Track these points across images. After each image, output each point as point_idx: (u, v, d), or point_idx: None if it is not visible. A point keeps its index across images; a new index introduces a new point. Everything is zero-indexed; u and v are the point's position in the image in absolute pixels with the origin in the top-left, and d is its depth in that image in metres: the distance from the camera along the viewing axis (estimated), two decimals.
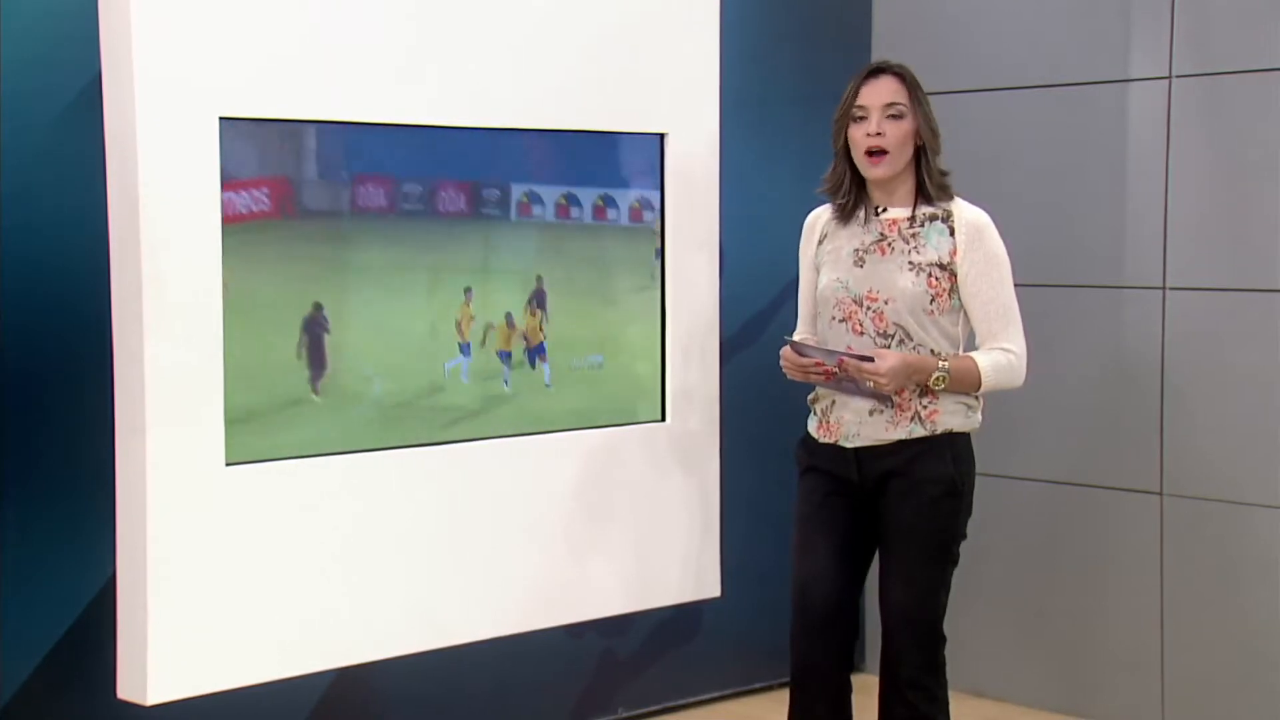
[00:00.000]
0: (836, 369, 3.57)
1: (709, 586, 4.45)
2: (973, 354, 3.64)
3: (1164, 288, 4.67)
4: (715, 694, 5.06)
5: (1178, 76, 4.62)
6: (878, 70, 3.67)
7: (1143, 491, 4.74)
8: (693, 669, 5.00)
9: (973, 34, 5.05)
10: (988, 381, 3.62)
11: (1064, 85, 4.86)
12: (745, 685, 5.09)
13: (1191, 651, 4.66)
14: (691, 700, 5.01)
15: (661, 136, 4.26)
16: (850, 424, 3.66)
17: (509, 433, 4.03)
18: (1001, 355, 3.63)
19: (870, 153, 3.62)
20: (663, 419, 4.31)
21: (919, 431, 3.62)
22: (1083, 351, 4.85)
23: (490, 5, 3.90)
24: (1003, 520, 4.96)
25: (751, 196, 4.86)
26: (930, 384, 3.58)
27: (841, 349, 3.59)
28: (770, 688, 4.99)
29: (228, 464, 3.54)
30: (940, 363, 3.59)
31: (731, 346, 4.69)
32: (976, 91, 4.99)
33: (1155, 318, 4.69)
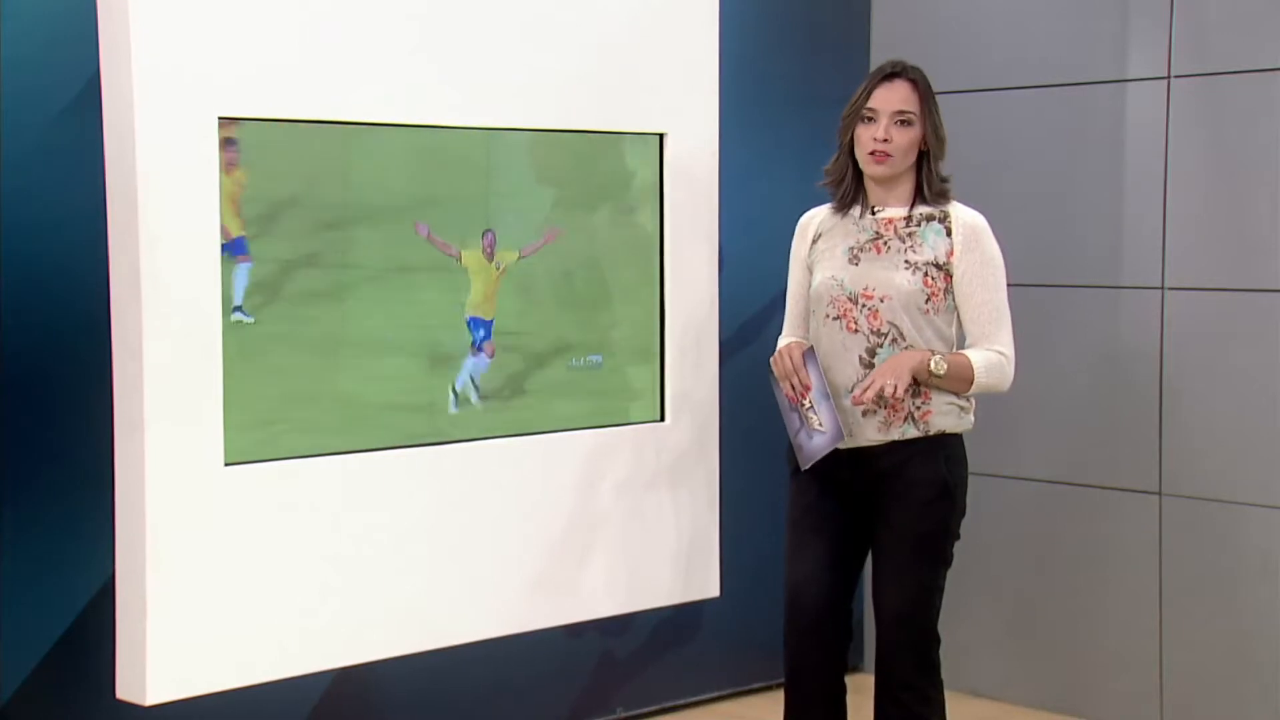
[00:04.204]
0: (802, 401, 3.59)
1: (708, 586, 4.45)
2: (965, 351, 3.64)
3: (1162, 288, 4.67)
4: (714, 694, 5.06)
5: (1176, 77, 4.62)
6: (892, 74, 3.65)
7: (1141, 491, 4.74)
8: (691, 669, 5.00)
9: (971, 34, 5.06)
10: (979, 378, 3.61)
11: (1063, 85, 4.86)
12: (744, 685, 5.09)
13: (1189, 651, 4.66)
14: (690, 700, 5.01)
15: (661, 136, 4.26)
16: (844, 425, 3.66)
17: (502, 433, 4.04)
18: (994, 355, 3.63)
19: (874, 153, 3.63)
20: (661, 419, 4.31)
21: (912, 433, 3.62)
22: (1081, 351, 4.86)
23: (490, 5, 3.90)
24: (1001, 520, 4.96)
25: (750, 197, 4.87)
26: (930, 368, 3.55)
27: (829, 393, 3.61)
28: (769, 688, 4.99)
29: (227, 464, 3.54)
30: (933, 353, 3.59)
31: (730, 346, 4.69)
32: (975, 91, 4.99)
33: (1154, 318, 4.69)
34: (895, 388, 3.50)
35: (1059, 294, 4.87)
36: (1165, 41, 4.63)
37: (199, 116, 3.46)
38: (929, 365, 3.55)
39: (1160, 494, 4.71)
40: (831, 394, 3.62)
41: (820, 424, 3.61)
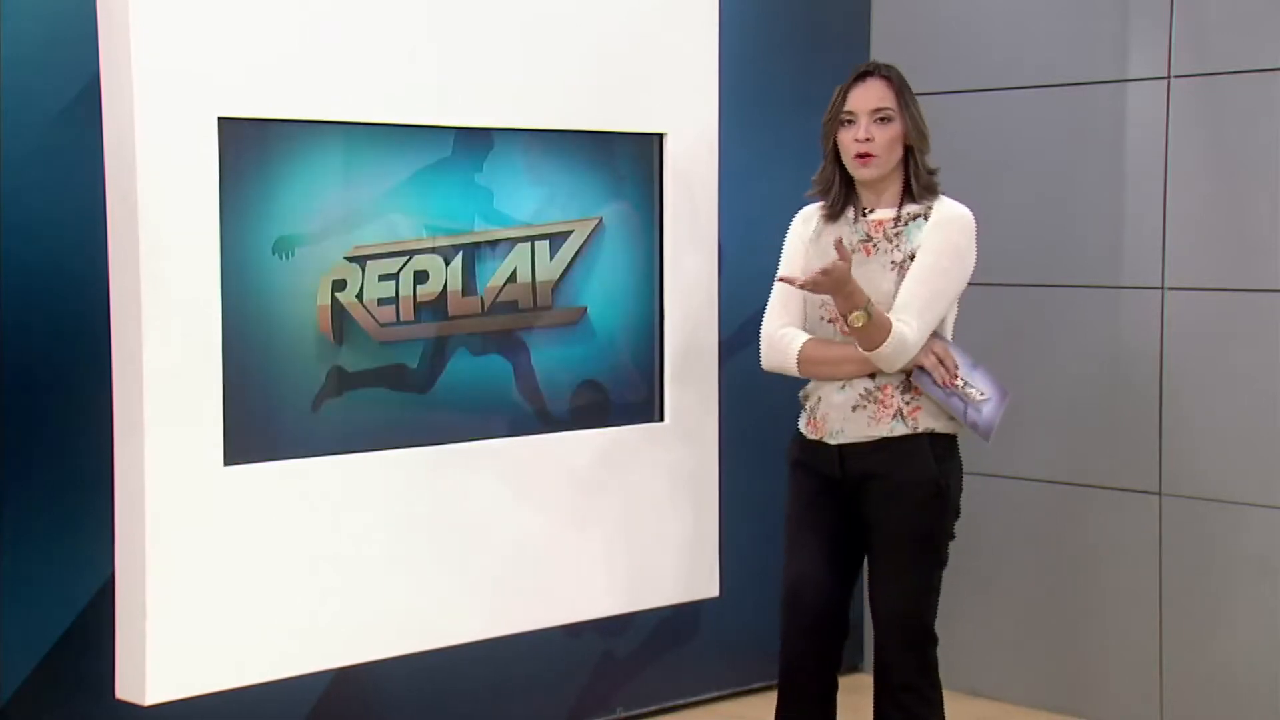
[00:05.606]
0: (955, 382, 3.58)
1: (707, 586, 4.45)
2: (892, 318, 3.55)
3: (1162, 288, 4.67)
4: (713, 694, 5.07)
5: (1176, 76, 4.62)
6: (865, 74, 3.65)
7: (1141, 491, 4.74)
8: (691, 669, 5.00)
9: (971, 34, 5.06)
10: (888, 344, 3.50)
11: (1062, 85, 4.86)
12: (743, 685, 5.09)
13: (1189, 651, 4.67)
14: (690, 700, 5.01)
15: (660, 137, 4.26)
16: (834, 420, 3.65)
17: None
18: (905, 329, 3.53)
19: (859, 155, 3.62)
20: (661, 419, 4.31)
21: (901, 429, 3.60)
22: (1081, 352, 4.85)
23: (490, 5, 3.90)
24: (1001, 520, 4.96)
25: (750, 197, 4.86)
26: (849, 319, 3.46)
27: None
28: (768, 688, 4.94)
29: (226, 464, 3.55)
30: (868, 304, 3.48)
31: (730, 346, 4.69)
32: (975, 91, 5.00)
33: (1154, 318, 4.69)
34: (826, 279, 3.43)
35: (1059, 294, 4.87)
36: (1165, 41, 4.63)
37: (199, 117, 3.46)
38: (850, 314, 3.46)
39: (1160, 494, 4.71)
40: (827, 391, 3.61)
41: (982, 393, 3.62)
